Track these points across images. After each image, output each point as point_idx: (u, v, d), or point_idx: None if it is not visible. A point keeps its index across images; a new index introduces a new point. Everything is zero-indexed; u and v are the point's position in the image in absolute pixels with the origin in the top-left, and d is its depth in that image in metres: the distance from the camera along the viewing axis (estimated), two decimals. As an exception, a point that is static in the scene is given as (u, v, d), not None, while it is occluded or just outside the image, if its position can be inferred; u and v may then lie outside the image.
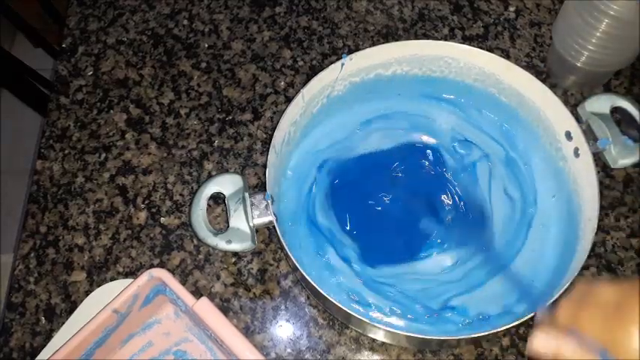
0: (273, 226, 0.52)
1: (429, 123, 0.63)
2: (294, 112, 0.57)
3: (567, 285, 0.47)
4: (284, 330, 0.57)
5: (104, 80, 0.71)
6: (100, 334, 0.51)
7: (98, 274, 0.60)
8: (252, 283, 0.59)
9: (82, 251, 0.61)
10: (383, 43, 0.59)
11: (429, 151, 0.62)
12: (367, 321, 0.47)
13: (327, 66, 0.58)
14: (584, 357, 0.34)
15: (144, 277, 0.51)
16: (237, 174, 0.56)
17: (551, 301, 0.45)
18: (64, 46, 0.74)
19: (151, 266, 0.59)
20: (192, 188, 0.64)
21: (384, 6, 0.75)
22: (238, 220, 0.53)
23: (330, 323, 0.57)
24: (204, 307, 0.49)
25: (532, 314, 0.46)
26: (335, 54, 0.72)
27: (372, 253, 0.58)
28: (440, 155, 0.62)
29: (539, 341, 0.37)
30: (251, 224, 0.53)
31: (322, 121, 0.62)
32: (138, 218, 0.63)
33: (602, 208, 0.52)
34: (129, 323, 0.53)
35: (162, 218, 0.63)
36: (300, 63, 0.71)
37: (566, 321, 0.37)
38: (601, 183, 0.62)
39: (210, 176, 0.64)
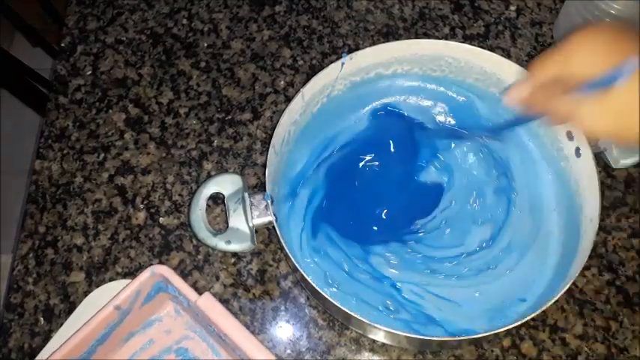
0: (273, 227, 0.52)
1: (429, 119, 0.63)
2: (293, 112, 0.57)
3: (568, 285, 0.47)
4: (284, 331, 0.57)
5: (103, 80, 0.71)
6: (101, 332, 0.51)
7: (97, 274, 0.60)
8: (252, 283, 0.59)
9: (80, 251, 0.61)
10: (383, 42, 0.59)
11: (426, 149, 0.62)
12: (367, 322, 0.47)
13: (327, 65, 0.57)
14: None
15: (146, 274, 0.51)
16: (237, 174, 0.56)
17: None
18: (62, 45, 0.73)
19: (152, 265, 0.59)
20: (191, 188, 0.64)
21: (385, 5, 0.75)
22: (238, 221, 0.53)
23: (330, 324, 0.57)
24: (208, 302, 0.49)
25: (532, 315, 0.46)
26: (335, 53, 0.72)
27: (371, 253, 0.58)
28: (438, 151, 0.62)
29: (515, 90, 0.44)
30: (250, 224, 0.52)
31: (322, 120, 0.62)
32: (137, 218, 0.63)
33: (603, 208, 0.51)
34: (130, 321, 0.53)
35: (161, 218, 0.62)
36: (300, 62, 0.71)
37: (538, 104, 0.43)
38: (602, 183, 0.62)
39: (209, 176, 0.64)
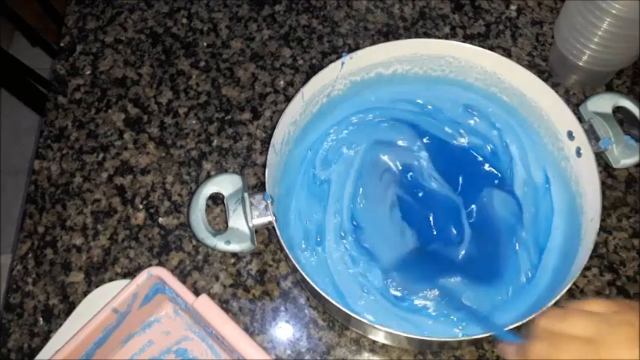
0: (273, 227, 0.52)
1: (429, 120, 0.63)
2: (293, 112, 0.56)
3: (569, 286, 0.47)
4: (284, 331, 0.57)
5: (102, 79, 0.71)
6: (100, 334, 0.50)
7: (96, 274, 0.60)
8: (252, 284, 0.59)
9: (80, 252, 0.61)
10: (383, 41, 0.59)
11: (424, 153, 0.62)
12: (367, 322, 0.47)
13: (327, 65, 0.57)
14: None
15: (143, 276, 0.51)
16: (237, 174, 0.56)
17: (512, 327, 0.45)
18: (62, 45, 0.73)
19: (150, 267, 0.59)
20: (190, 188, 0.64)
21: (385, 4, 0.75)
22: (237, 221, 0.53)
23: (330, 325, 0.57)
24: (205, 304, 0.49)
25: (532, 316, 0.46)
26: (335, 53, 0.71)
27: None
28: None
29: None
30: (250, 225, 0.52)
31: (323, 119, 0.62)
32: (136, 218, 0.62)
33: (604, 208, 0.51)
34: (129, 323, 0.53)
35: (160, 218, 0.62)
36: (300, 62, 0.71)
37: (542, 352, 0.37)
38: (603, 183, 0.62)
39: (209, 176, 0.64)
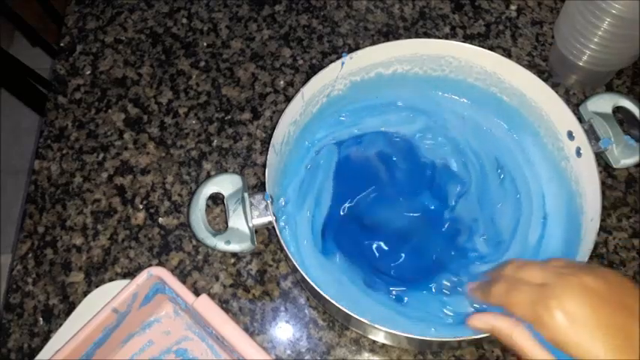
0: (273, 227, 0.52)
1: (429, 121, 0.63)
2: (293, 112, 0.56)
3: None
4: (284, 331, 0.57)
5: (102, 79, 0.71)
6: (100, 334, 0.50)
7: (96, 274, 0.60)
8: (252, 284, 0.59)
9: (80, 252, 0.61)
10: (383, 41, 0.59)
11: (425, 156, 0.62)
12: (367, 322, 0.47)
13: (327, 65, 0.57)
14: (512, 329, 0.40)
15: (143, 276, 0.51)
16: (237, 174, 0.56)
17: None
18: (62, 45, 0.73)
19: (150, 267, 0.59)
20: (190, 188, 0.64)
21: (385, 4, 0.75)
22: (237, 221, 0.53)
23: (330, 325, 0.57)
24: (205, 304, 0.49)
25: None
26: (335, 53, 0.71)
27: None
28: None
29: (475, 318, 0.43)
30: (250, 225, 0.52)
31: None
32: (136, 218, 0.62)
33: (604, 208, 0.51)
34: (129, 323, 0.53)
35: (160, 218, 0.62)
36: (300, 62, 0.71)
37: (498, 302, 0.43)
38: (603, 183, 0.62)
39: (209, 176, 0.64)
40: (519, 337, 0.40)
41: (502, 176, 0.60)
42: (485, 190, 0.60)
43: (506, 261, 0.47)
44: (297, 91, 0.56)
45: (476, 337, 0.47)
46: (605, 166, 0.62)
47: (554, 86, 0.66)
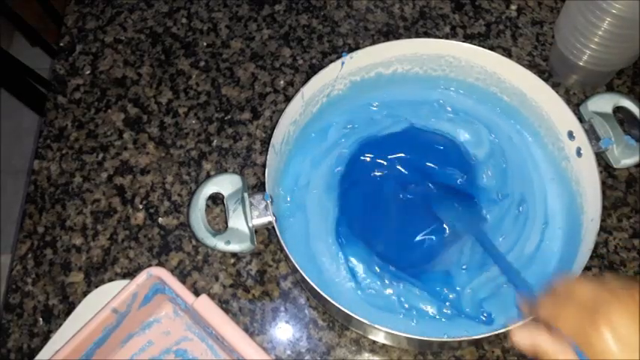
0: (273, 227, 0.51)
1: (430, 117, 0.63)
2: (293, 111, 0.56)
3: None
4: (283, 332, 0.57)
5: (102, 79, 0.70)
6: (99, 334, 0.50)
7: (96, 274, 0.60)
8: (252, 284, 0.59)
9: (79, 252, 0.61)
10: (383, 41, 0.59)
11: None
12: (368, 322, 0.47)
13: (327, 65, 0.57)
14: (558, 353, 0.38)
15: (142, 276, 0.51)
16: (236, 174, 0.56)
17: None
18: (61, 45, 0.73)
19: (149, 267, 0.59)
20: (190, 188, 0.64)
21: (385, 4, 0.75)
22: (237, 221, 0.53)
23: (330, 325, 0.57)
24: (204, 305, 0.49)
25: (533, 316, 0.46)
26: (335, 52, 0.71)
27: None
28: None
29: (519, 335, 0.41)
30: (250, 225, 0.52)
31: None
32: (136, 219, 0.62)
33: (604, 208, 0.51)
34: (128, 323, 0.53)
35: (160, 219, 0.62)
36: (300, 62, 0.71)
37: (546, 316, 0.40)
38: (603, 183, 0.62)
39: (208, 176, 0.64)
40: None
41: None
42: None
43: (556, 277, 0.45)
44: (297, 90, 0.56)
45: (476, 337, 0.48)
46: (605, 166, 0.62)
47: (555, 86, 0.66)
